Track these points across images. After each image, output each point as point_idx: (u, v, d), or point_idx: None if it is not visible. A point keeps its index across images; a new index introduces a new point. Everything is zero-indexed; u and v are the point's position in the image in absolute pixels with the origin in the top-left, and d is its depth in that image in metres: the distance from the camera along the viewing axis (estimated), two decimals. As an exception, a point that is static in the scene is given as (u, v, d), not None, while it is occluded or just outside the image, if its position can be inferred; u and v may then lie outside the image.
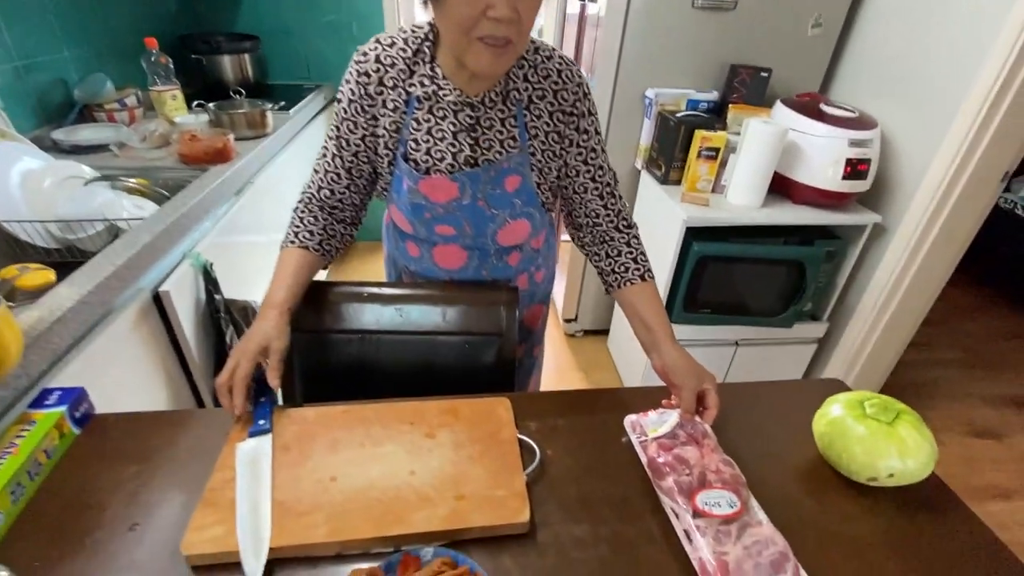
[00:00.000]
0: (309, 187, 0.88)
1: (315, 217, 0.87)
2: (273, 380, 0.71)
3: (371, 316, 0.90)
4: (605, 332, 2.31)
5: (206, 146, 1.41)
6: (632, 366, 1.95)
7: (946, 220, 1.43)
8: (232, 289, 1.28)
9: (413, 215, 0.87)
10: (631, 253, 0.89)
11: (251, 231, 1.52)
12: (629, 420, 0.77)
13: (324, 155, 0.86)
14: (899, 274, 1.56)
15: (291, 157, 1.89)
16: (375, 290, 0.92)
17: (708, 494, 0.62)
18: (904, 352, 1.79)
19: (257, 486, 0.63)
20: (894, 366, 1.83)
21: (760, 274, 1.61)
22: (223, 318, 1.20)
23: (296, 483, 0.64)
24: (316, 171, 0.88)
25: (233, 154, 1.45)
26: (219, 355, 1.22)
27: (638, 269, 0.87)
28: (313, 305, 0.90)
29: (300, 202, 0.89)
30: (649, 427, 0.74)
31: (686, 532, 0.61)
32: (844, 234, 1.65)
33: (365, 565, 0.54)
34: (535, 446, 0.71)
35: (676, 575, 0.58)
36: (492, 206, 0.86)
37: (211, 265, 1.19)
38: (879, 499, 0.69)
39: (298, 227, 0.86)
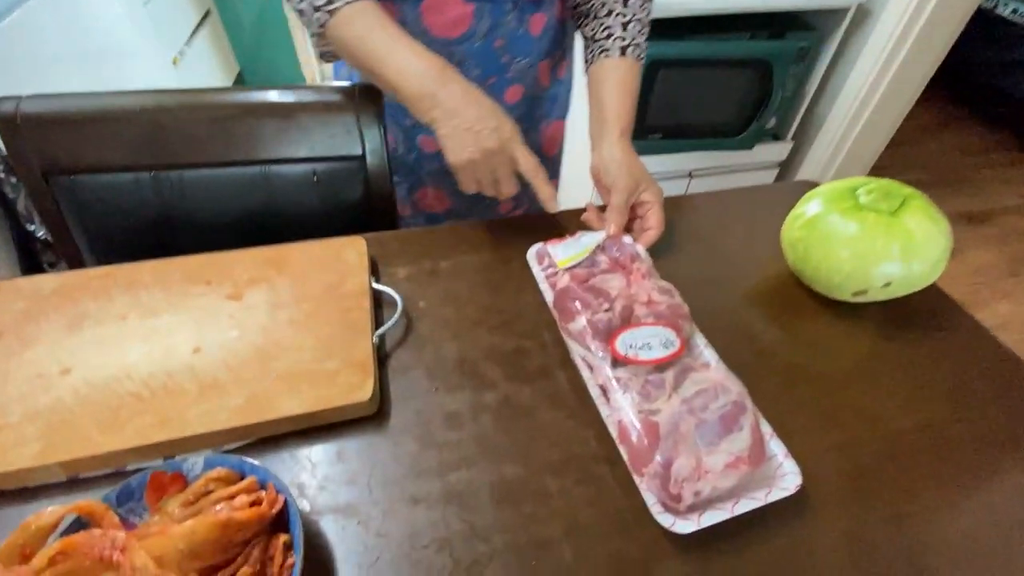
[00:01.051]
0: None
1: None
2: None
3: (157, 142, 0.61)
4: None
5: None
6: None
7: (945, -11, 1.15)
8: None
9: None
10: (623, 15, 0.60)
11: None
12: (534, 250, 0.55)
13: None
14: (880, 70, 1.31)
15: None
16: (155, 101, 0.61)
17: (634, 333, 0.43)
18: (868, 174, 1.62)
19: (-63, 396, 0.40)
20: (857, 188, 1.67)
21: (721, 82, 1.33)
22: (4, 181, 0.88)
23: (2, 383, 0.41)
24: None
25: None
26: (20, 236, 0.91)
27: (622, 38, 0.59)
28: (69, 132, 0.59)
29: None
30: (560, 256, 0.53)
31: (602, 388, 0.42)
32: (820, 25, 1.36)
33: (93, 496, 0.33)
34: (396, 296, 0.49)
35: (588, 448, 0.41)
36: None
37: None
38: (861, 318, 0.52)
39: None
